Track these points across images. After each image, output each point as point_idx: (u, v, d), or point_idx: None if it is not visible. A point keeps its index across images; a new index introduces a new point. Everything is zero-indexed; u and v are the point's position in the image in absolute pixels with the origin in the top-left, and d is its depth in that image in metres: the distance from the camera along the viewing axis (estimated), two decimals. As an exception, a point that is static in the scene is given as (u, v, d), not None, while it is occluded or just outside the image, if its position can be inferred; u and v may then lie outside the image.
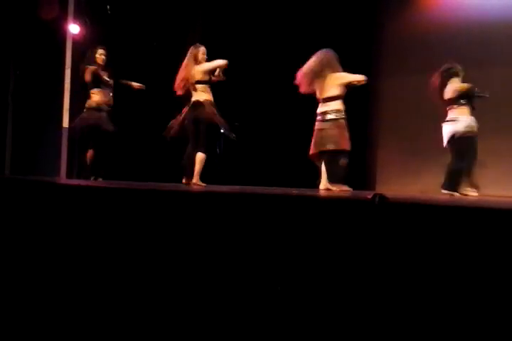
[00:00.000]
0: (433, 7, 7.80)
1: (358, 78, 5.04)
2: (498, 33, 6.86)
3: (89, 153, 5.75)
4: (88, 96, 5.71)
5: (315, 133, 5.11)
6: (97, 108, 5.67)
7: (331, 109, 5.05)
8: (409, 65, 7.60)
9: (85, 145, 5.83)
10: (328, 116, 5.05)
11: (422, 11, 7.87)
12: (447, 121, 5.35)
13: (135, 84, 5.87)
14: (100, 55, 5.73)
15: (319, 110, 5.14)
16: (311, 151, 5.13)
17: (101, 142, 5.71)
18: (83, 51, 6.63)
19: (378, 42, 8.16)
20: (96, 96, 5.69)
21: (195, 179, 5.14)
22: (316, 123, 5.14)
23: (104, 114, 5.70)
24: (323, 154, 5.08)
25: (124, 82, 5.83)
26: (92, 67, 5.64)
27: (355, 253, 1.91)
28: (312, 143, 5.14)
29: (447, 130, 5.34)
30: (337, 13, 7.50)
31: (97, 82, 5.66)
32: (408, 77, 7.52)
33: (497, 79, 6.35)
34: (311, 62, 5.17)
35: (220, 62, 5.29)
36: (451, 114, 5.34)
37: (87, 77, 5.63)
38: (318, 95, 5.14)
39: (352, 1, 7.70)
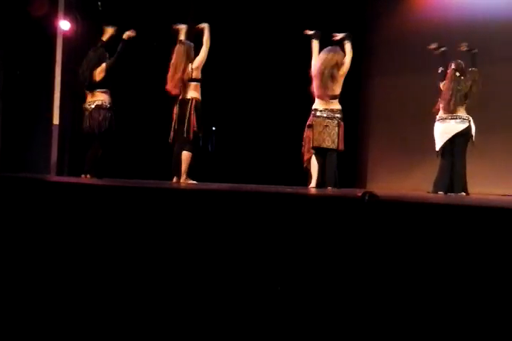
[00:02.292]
0: (423, 7, 7.83)
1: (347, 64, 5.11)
2: (488, 32, 6.90)
3: (89, 153, 5.74)
4: (89, 96, 5.67)
5: (315, 129, 5.09)
6: (101, 106, 5.65)
7: (337, 108, 5.13)
8: (400, 64, 7.63)
9: (86, 145, 5.83)
10: (337, 115, 5.10)
11: (411, 11, 7.90)
12: (462, 118, 5.26)
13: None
14: (106, 58, 5.71)
15: (323, 107, 5.11)
16: (312, 144, 5.13)
17: (100, 140, 5.69)
18: (75, 48, 6.61)
19: (368, 41, 8.18)
20: (103, 95, 5.66)
21: (183, 178, 5.18)
22: (315, 118, 5.11)
23: (108, 113, 5.69)
24: (320, 150, 5.11)
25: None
26: (104, 64, 5.64)
27: (345, 251, 1.92)
28: (312, 137, 5.13)
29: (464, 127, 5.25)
30: (327, 13, 7.52)
31: (107, 83, 5.66)
32: (398, 77, 7.56)
33: (487, 79, 6.37)
34: (326, 62, 5.07)
35: (205, 48, 5.31)
36: (461, 112, 5.28)
37: (101, 75, 5.61)
38: (323, 92, 5.08)
39: (342, 1, 7.72)
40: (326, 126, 5.06)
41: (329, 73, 5.03)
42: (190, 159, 5.23)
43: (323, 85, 5.04)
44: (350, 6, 7.86)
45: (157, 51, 6.64)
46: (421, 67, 6.73)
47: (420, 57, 7.17)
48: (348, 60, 5.13)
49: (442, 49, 5.54)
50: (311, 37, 5.34)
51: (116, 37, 5.75)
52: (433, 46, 5.57)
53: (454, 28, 7.18)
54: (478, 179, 5.75)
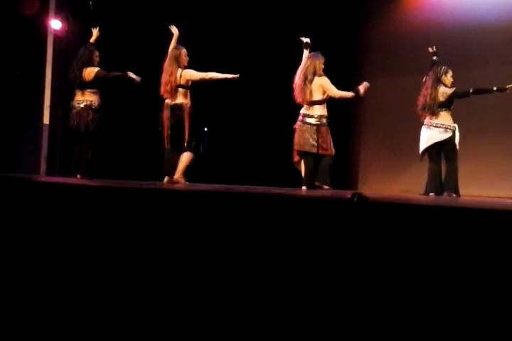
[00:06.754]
0: (415, 9, 7.86)
1: (345, 96, 5.19)
2: (480, 33, 6.94)
3: (76, 151, 5.71)
4: (79, 95, 5.63)
5: (297, 133, 5.20)
6: (90, 107, 5.61)
7: (318, 114, 5.19)
8: (391, 66, 7.65)
9: (73, 143, 5.79)
10: (313, 120, 5.17)
11: (404, 13, 7.93)
12: (446, 127, 5.27)
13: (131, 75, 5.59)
14: (97, 57, 5.68)
15: (303, 112, 5.21)
16: (295, 148, 5.24)
17: (89, 141, 5.66)
18: (66, 47, 6.58)
19: (361, 44, 8.21)
20: (93, 96, 5.63)
21: (177, 175, 5.13)
22: (298, 122, 5.22)
23: (96, 114, 5.65)
24: (305, 155, 5.18)
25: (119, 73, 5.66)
26: (98, 69, 5.59)
27: (334, 252, 1.92)
28: (295, 142, 5.23)
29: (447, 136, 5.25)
30: (320, 16, 7.53)
31: (97, 83, 5.61)
32: (390, 79, 7.58)
33: (479, 80, 6.40)
34: (304, 70, 5.20)
35: (207, 76, 5.22)
36: (442, 119, 5.29)
37: (90, 76, 5.56)
38: (303, 98, 5.19)
39: (335, 4, 7.73)
40: (305, 131, 5.15)
41: (306, 79, 5.14)
42: (190, 161, 5.22)
43: (301, 91, 5.16)
44: (342, 9, 7.87)
45: (141, 50, 6.63)
46: (412, 70, 6.74)
47: (412, 60, 7.20)
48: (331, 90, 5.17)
49: (434, 58, 5.57)
50: (302, 46, 5.42)
51: (104, 35, 5.77)
52: (431, 50, 5.61)
53: (447, 29, 7.21)
54: (469, 181, 5.77)
